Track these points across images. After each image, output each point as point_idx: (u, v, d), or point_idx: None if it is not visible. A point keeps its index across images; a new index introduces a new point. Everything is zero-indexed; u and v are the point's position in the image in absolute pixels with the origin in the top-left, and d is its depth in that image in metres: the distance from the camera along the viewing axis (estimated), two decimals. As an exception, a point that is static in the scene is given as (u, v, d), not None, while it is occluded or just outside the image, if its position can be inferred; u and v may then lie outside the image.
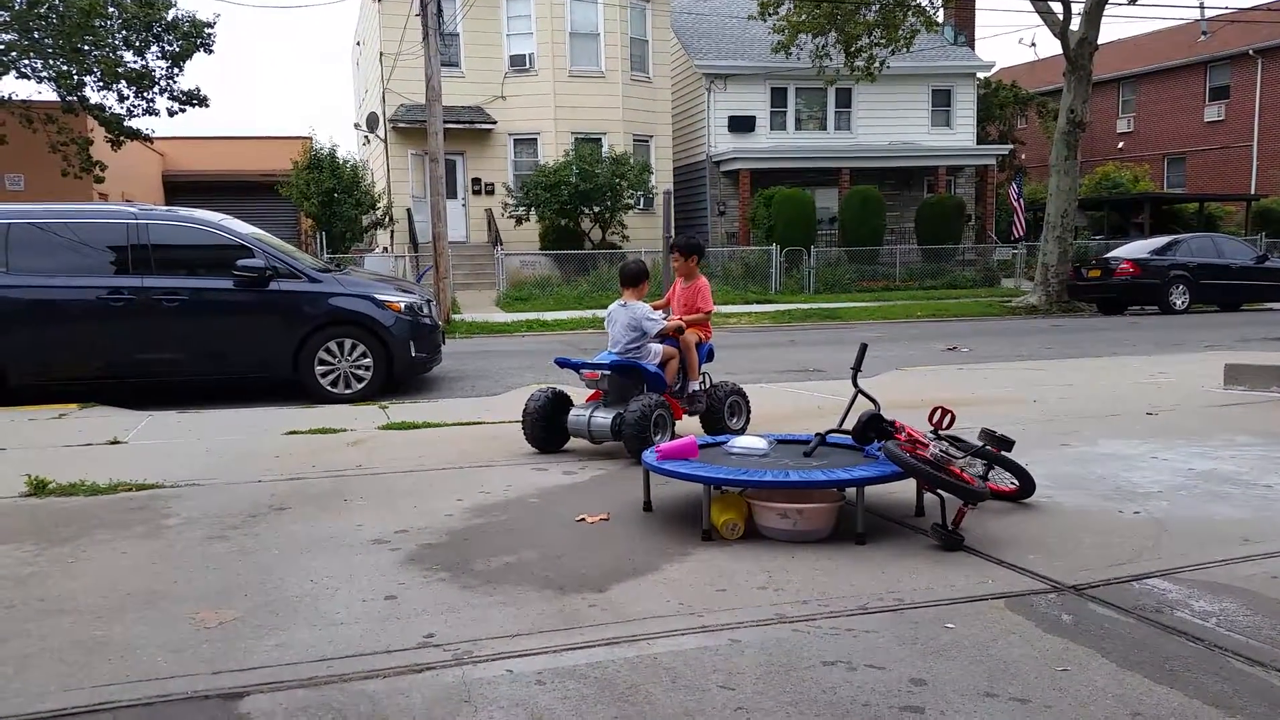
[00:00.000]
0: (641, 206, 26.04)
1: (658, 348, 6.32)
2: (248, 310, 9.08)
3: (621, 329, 6.23)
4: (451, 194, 24.99)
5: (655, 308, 6.60)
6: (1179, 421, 6.86)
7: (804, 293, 24.65)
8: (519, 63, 26.12)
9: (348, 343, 9.20)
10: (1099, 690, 2.68)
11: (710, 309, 6.76)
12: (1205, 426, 6.63)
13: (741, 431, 6.39)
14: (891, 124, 29.92)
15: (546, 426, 6.18)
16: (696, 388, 6.55)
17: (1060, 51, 20.60)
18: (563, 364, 6.41)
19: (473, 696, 2.69)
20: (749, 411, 6.79)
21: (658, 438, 5.73)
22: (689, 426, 6.53)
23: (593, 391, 6.36)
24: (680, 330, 6.43)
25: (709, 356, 6.83)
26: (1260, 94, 35.71)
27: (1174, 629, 3.11)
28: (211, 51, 24.91)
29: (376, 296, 9.41)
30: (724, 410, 6.58)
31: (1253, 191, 34.13)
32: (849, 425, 4.62)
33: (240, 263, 9.00)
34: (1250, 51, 35.32)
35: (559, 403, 6.26)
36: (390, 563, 3.92)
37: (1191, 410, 7.37)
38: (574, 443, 6.33)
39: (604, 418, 5.99)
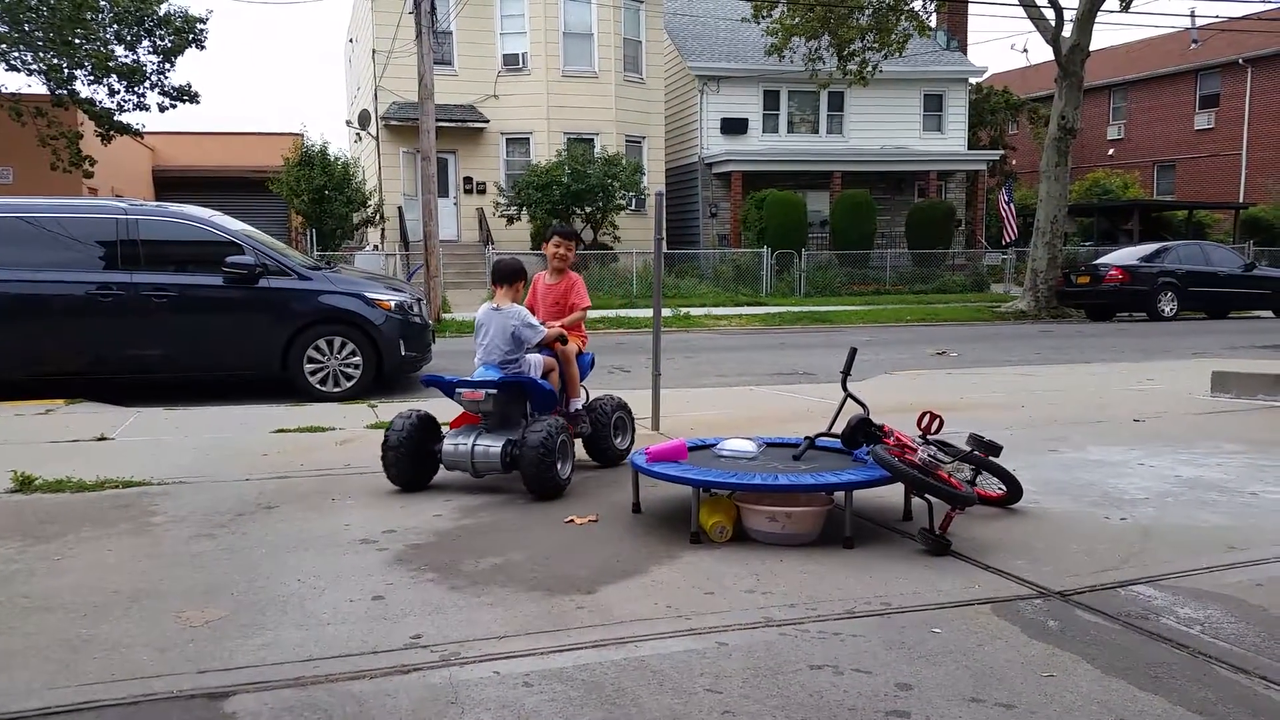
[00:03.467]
0: (633, 207, 26.01)
1: (537, 359, 5.43)
2: (237, 307, 9.05)
3: (495, 338, 5.33)
4: (443, 192, 24.92)
5: None
6: (1166, 428, 6.89)
7: (795, 295, 24.69)
8: (512, 62, 26.09)
9: (337, 340, 9.17)
10: (1084, 696, 2.70)
11: (588, 305, 5.90)
12: (1192, 434, 6.67)
13: (627, 452, 5.73)
14: (883, 128, 29.99)
15: (414, 459, 5.12)
16: (580, 406, 5.72)
17: (1052, 58, 20.68)
18: (431, 382, 5.40)
19: (460, 698, 2.69)
20: (634, 429, 6.09)
21: (561, 467, 4.98)
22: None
23: (460, 414, 5.41)
24: (562, 339, 5.56)
25: (590, 367, 6.06)
26: (1249, 103, 35.92)
27: (1159, 636, 3.12)
28: (204, 47, 24.82)
29: (366, 294, 9.39)
30: (609, 429, 5.77)
31: (1241, 199, 34.32)
32: (838, 429, 4.63)
33: (230, 259, 8.97)
34: (1240, 61, 35.54)
35: (428, 429, 5.22)
36: (378, 563, 3.91)
37: (1178, 417, 7.40)
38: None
39: (490, 446, 5.06)
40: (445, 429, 5.38)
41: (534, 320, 5.40)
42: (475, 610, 3.37)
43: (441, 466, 5.25)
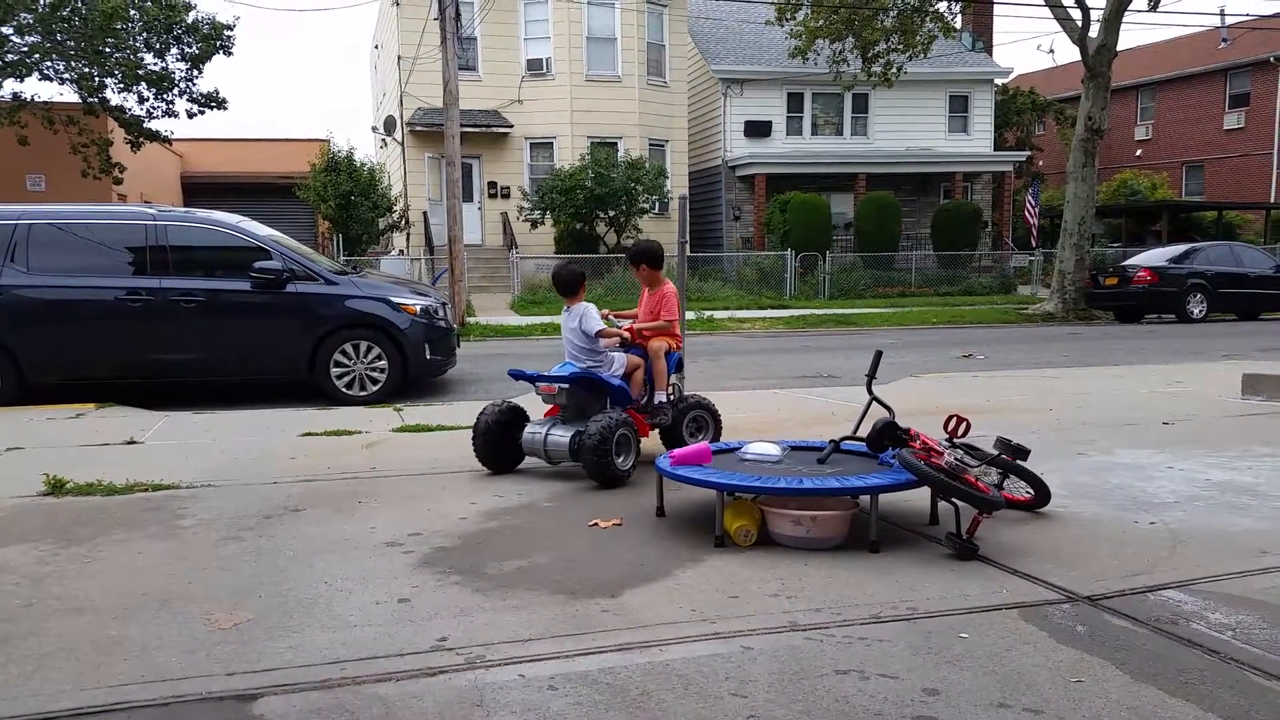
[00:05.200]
0: (657, 211, 26.02)
1: (621, 357, 5.89)
2: (264, 312, 9.12)
3: (570, 337, 5.86)
4: (468, 197, 25.04)
5: (621, 317, 6.33)
6: (1196, 431, 6.81)
7: (819, 298, 24.59)
8: (536, 67, 26.18)
9: (363, 345, 9.24)
10: (1113, 702, 2.67)
11: (672, 318, 6.19)
12: (1222, 437, 6.59)
13: None
14: (908, 129, 29.83)
15: (500, 444, 5.68)
16: (663, 400, 6.03)
17: (1079, 58, 20.51)
18: (517, 376, 5.88)
19: (485, 700, 2.70)
20: (716, 428, 6.25)
21: (620, 459, 5.33)
22: (652, 443, 6.08)
23: (551, 406, 5.86)
24: (625, 341, 5.97)
25: (678, 366, 6.30)
26: (1281, 101, 35.46)
27: (1189, 641, 3.09)
28: (231, 54, 25.07)
29: (392, 299, 9.44)
30: (683, 425, 6.08)
31: (1272, 200, 33.88)
32: (863, 432, 4.61)
33: (257, 264, 9.05)
34: (1271, 59, 35.06)
35: (514, 418, 5.76)
36: (404, 565, 3.93)
37: (1209, 420, 7.31)
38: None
39: (561, 436, 5.52)
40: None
41: (594, 315, 5.81)
42: (500, 613, 3.38)
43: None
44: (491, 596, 3.55)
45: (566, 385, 5.67)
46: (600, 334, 5.79)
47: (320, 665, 2.95)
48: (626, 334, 6.00)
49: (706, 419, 6.25)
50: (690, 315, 6.51)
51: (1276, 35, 33.17)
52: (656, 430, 6.11)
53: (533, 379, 5.79)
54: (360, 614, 3.38)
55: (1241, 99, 37.09)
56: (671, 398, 6.11)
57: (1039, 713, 2.61)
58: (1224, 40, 33.48)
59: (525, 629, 3.23)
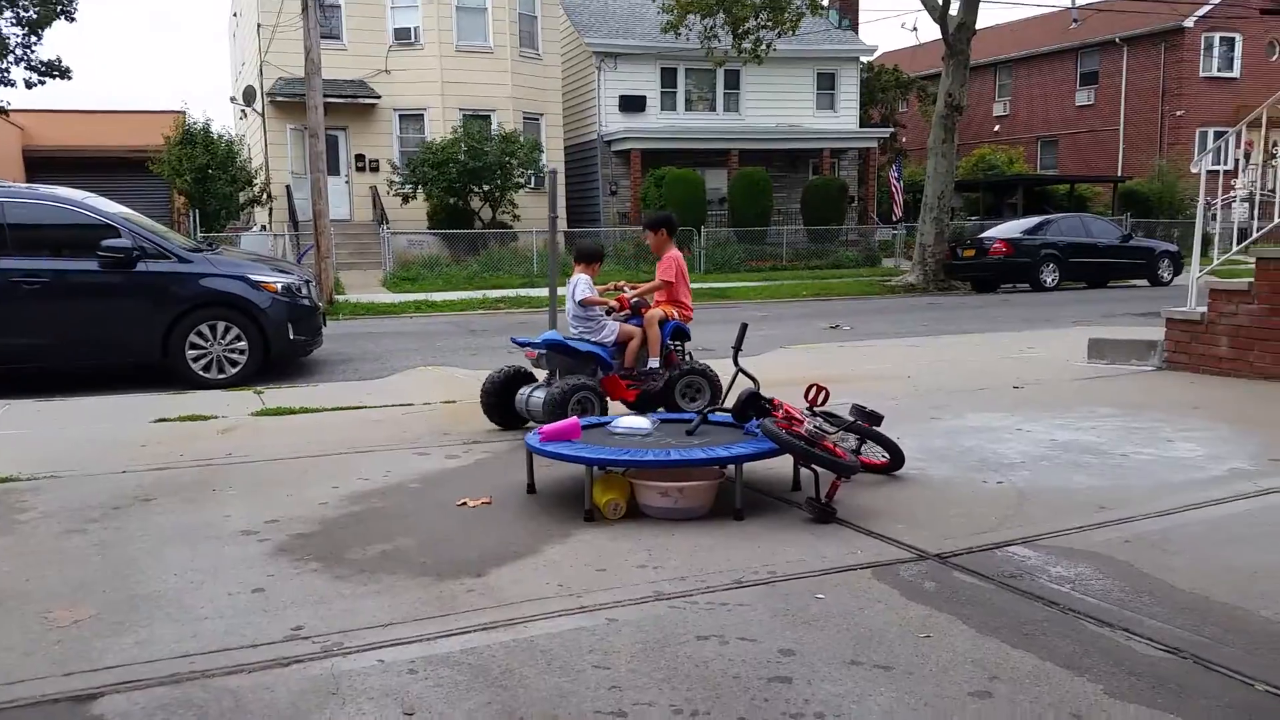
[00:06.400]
0: (532, 185, 25.75)
1: (614, 325, 6.36)
2: (114, 293, 8.66)
3: (567, 304, 6.38)
4: (334, 170, 24.25)
5: (633, 287, 6.77)
6: (1044, 395, 7.16)
7: (695, 272, 24.83)
8: (403, 36, 25.50)
9: (220, 325, 8.85)
10: (959, 655, 2.79)
11: (662, 280, 6.61)
12: (1069, 399, 6.94)
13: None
14: (778, 106, 30.30)
15: (502, 404, 6.26)
16: (655, 365, 6.41)
17: (940, 36, 21.15)
18: (516, 342, 6.51)
19: (341, 688, 2.64)
20: (714, 394, 6.38)
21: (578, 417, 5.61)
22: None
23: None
24: (617, 308, 6.44)
25: (676, 334, 6.59)
26: (1126, 80, 37.33)
27: (1031, 594, 3.25)
28: (74, 19, 23.76)
29: (251, 277, 9.09)
30: (674, 391, 6.41)
31: (1119, 173, 35.68)
32: (730, 403, 4.69)
33: (105, 243, 8.57)
34: (1117, 39, 36.88)
35: (517, 380, 6.29)
36: (259, 554, 3.80)
37: (1056, 384, 7.70)
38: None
39: (539, 396, 5.95)
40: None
41: (583, 288, 6.28)
42: (360, 599, 3.30)
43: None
44: (352, 582, 3.47)
45: (544, 350, 6.16)
46: (584, 302, 6.27)
47: (167, 660, 2.82)
48: (615, 304, 6.45)
49: (702, 384, 6.53)
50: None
51: (1122, 16, 34.90)
52: (649, 395, 6.42)
53: (522, 345, 6.32)
54: (211, 605, 3.25)
55: (1091, 77, 38.92)
56: (686, 363, 6.54)
57: (889, 669, 2.71)
58: (1075, 21, 35.12)
59: (386, 614, 3.16)
